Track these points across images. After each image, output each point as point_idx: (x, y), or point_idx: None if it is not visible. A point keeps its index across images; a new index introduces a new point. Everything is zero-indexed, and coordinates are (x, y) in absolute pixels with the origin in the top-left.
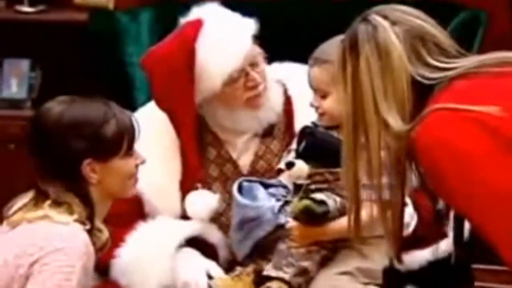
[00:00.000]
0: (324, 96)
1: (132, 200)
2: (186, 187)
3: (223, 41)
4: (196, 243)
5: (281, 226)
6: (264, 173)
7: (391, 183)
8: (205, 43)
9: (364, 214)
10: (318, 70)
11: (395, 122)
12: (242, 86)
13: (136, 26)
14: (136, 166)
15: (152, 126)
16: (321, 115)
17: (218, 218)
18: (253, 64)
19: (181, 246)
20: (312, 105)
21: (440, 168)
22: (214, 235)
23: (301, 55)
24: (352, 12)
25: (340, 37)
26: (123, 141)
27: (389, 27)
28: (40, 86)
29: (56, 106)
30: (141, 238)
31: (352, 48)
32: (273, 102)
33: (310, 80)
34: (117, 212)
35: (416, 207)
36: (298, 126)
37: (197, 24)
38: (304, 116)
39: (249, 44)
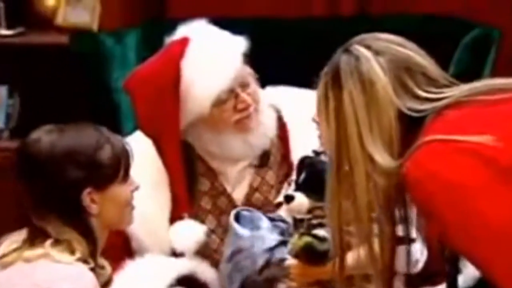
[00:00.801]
0: None
1: (118, 234)
2: (175, 220)
3: (211, 60)
4: (187, 282)
5: (278, 264)
6: (260, 207)
7: (381, 228)
8: (191, 62)
9: (351, 258)
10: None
11: (382, 158)
12: (231, 108)
13: (122, 49)
14: (132, 192)
15: (139, 155)
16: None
17: (211, 255)
18: (244, 85)
19: (172, 285)
20: (313, 120)
21: (433, 203)
22: (206, 273)
23: (297, 78)
24: (354, 30)
25: None
26: (120, 166)
27: (372, 58)
28: (19, 115)
29: (45, 136)
30: (129, 279)
31: (334, 81)
32: (266, 127)
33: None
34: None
35: (426, 242)
36: (295, 155)
37: (183, 42)
38: (301, 144)
39: (238, 62)
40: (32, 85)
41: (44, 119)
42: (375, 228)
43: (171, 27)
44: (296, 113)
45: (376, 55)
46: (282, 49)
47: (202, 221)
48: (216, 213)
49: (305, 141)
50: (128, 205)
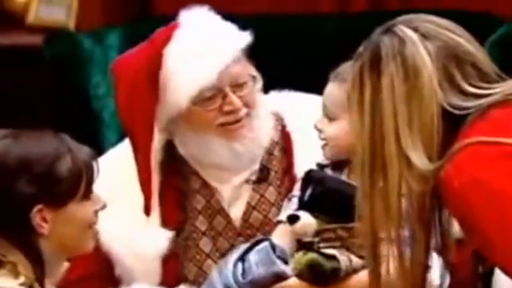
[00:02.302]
0: (330, 118)
1: (99, 260)
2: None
3: (197, 50)
4: None
5: (276, 280)
6: (259, 227)
7: (413, 236)
8: (175, 50)
9: (383, 271)
10: (332, 85)
11: (420, 160)
12: (216, 108)
13: (102, 51)
14: (95, 212)
15: (126, 169)
16: (325, 144)
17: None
18: (236, 85)
19: None
20: (315, 127)
21: (475, 214)
22: None
23: (303, 82)
24: (366, 28)
25: None
26: (81, 180)
27: (420, 42)
28: None
29: None
30: None
31: (373, 65)
32: (259, 136)
33: (324, 97)
34: (80, 276)
35: (449, 265)
36: (298, 168)
37: (171, 28)
38: (306, 157)
39: (229, 58)
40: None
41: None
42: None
43: (158, 25)
44: (301, 121)
45: (424, 39)
46: (286, 49)
47: (196, 244)
48: (212, 235)
49: (311, 153)
50: (88, 227)
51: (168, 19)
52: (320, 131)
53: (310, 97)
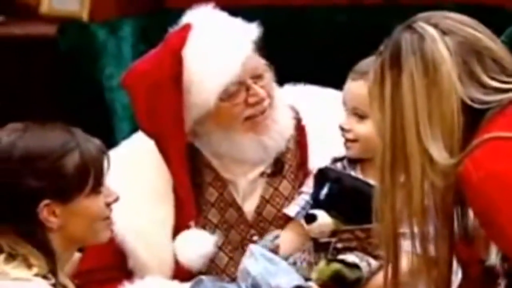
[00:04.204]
0: (361, 117)
1: (112, 251)
2: (181, 231)
3: (217, 47)
4: None
5: None
6: (272, 221)
7: (437, 232)
8: (194, 50)
9: (404, 267)
10: (361, 84)
11: (440, 154)
12: (242, 102)
13: (116, 42)
14: (108, 205)
15: (139, 160)
16: (352, 141)
17: (217, 275)
18: (256, 77)
19: None
20: (342, 128)
21: (494, 209)
22: None
23: (319, 76)
24: (380, 20)
25: None
26: (88, 176)
27: (439, 37)
28: None
29: (6, 136)
30: None
31: (393, 61)
32: (282, 128)
33: (346, 96)
34: (93, 266)
35: (460, 262)
36: (312, 162)
37: (185, 30)
38: (320, 151)
39: (249, 50)
40: (11, 81)
41: (27, 119)
42: (431, 232)
43: (172, 17)
44: (316, 115)
45: (443, 35)
46: (299, 41)
47: None
48: (224, 228)
49: (325, 147)
50: (100, 220)
51: (181, 11)
52: (347, 131)
53: (324, 91)
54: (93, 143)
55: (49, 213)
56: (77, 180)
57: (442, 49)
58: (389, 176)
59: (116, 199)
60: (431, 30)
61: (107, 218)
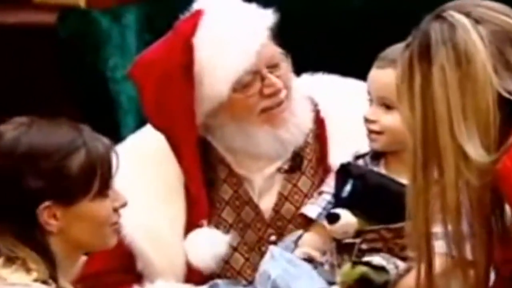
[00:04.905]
0: (389, 108)
1: (120, 253)
2: (192, 229)
3: (229, 34)
4: None
5: None
6: (290, 219)
7: (473, 233)
8: (205, 38)
9: (437, 269)
10: (391, 72)
11: (476, 151)
12: (257, 93)
13: (120, 30)
14: (115, 210)
15: (148, 156)
16: (377, 133)
17: (233, 277)
18: (272, 66)
19: None
20: (367, 120)
21: None
22: None
23: (338, 64)
24: (400, 5)
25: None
26: (94, 178)
27: (471, 27)
28: None
29: (11, 131)
30: None
31: (423, 53)
32: (300, 121)
33: (372, 85)
34: (99, 269)
35: (494, 261)
36: (332, 157)
37: (196, 16)
38: (341, 145)
39: (264, 38)
40: (7, 72)
41: (19, 113)
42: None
43: (179, 4)
44: (335, 106)
45: (476, 23)
46: (316, 29)
47: None
48: (240, 227)
49: (346, 141)
50: (106, 225)
51: None
52: (372, 122)
53: (344, 81)
54: (102, 142)
55: (49, 216)
56: (81, 181)
57: (475, 38)
58: (422, 174)
59: (125, 204)
60: (462, 19)
61: (115, 223)
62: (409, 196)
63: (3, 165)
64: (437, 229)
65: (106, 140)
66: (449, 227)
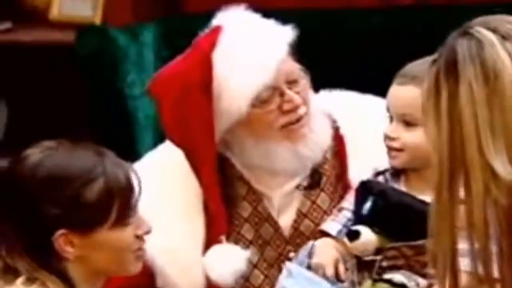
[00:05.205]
0: (410, 125)
1: (140, 271)
2: (211, 245)
3: (249, 50)
4: None
5: None
6: (310, 236)
7: (501, 253)
8: (224, 54)
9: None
10: (412, 89)
11: (504, 168)
12: (276, 109)
13: (138, 48)
14: (138, 237)
15: (166, 173)
16: (398, 150)
17: None
18: (291, 82)
19: None
20: (387, 137)
21: None
22: None
23: (358, 81)
24: (415, 23)
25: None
26: (112, 207)
27: (499, 43)
28: (7, 128)
29: (35, 154)
30: None
31: (449, 70)
32: (319, 137)
33: (393, 102)
34: (118, 286)
35: None
36: (351, 174)
37: (215, 32)
38: (359, 162)
39: (283, 53)
40: (22, 91)
41: (37, 133)
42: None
43: (196, 22)
44: (354, 123)
45: (503, 39)
46: (334, 45)
47: None
48: (259, 244)
49: (365, 158)
50: (127, 252)
51: (204, 15)
52: (393, 139)
53: (363, 97)
54: (123, 170)
55: (65, 243)
56: (98, 210)
57: (503, 55)
58: (447, 192)
59: (149, 231)
60: (490, 35)
61: (138, 250)
62: (433, 213)
63: (24, 190)
64: (462, 245)
65: (129, 167)
66: (475, 245)
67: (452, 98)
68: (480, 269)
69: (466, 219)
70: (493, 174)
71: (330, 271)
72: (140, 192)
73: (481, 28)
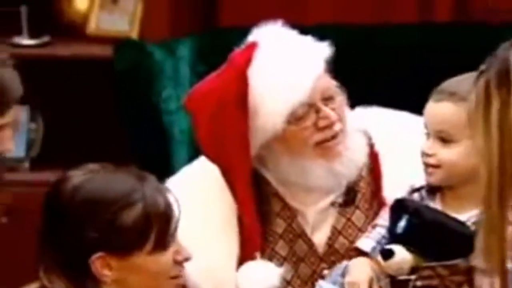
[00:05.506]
0: (446, 141)
1: None
2: (245, 262)
3: (285, 66)
4: None
5: None
6: (344, 254)
7: None
8: (260, 70)
9: None
10: (448, 105)
11: None
12: (311, 125)
13: (174, 62)
14: (177, 263)
15: (201, 188)
16: (434, 167)
17: None
18: (327, 98)
19: None
20: (424, 154)
21: None
22: None
23: (394, 98)
24: (452, 39)
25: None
26: (149, 232)
27: None
28: (43, 142)
29: (77, 176)
30: None
31: (502, 80)
32: (355, 154)
33: (430, 118)
34: None
35: None
36: (386, 191)
37: (251, 48)
38: (395, 179)
39: (319, 70)
40: (58, 105)
41: (73, 148)
42: None
43: (231, 37)
44: (390, 140)
45: None
46: (372, 61)
47: None
48: (293, 260)
49: (400, 175)
50: (164, 278)
51: (240, 30)
52: (430, 155)
53: (398, 114)
54: (163, 196)
55: (103, 266)
56: (136, 235)
57: None
58: (497, 206)
59: (188, 258)
60: None
61: (176, 277)
62: (482, 229)
63: (63, 212)
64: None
65: (170, 193)
66: None
67: (504, 108)
68: None
69: None
70: None
71: None
72: (179, 218)
73: None
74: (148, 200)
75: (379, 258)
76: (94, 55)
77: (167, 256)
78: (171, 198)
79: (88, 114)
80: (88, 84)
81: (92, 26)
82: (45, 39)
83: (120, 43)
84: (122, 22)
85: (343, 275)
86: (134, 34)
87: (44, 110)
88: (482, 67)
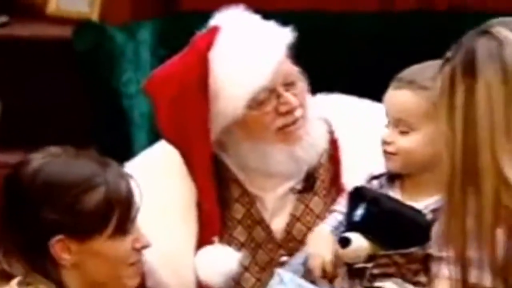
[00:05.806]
0: (404, 131)
1: None
2: (203, 246)
3: (246, 51)
4: None
5: None
6: (302, 240)
7: (508, 259)
8: (222, 54)
9: None
10: (408, 94)
11: None
12: (272, 110)
13: (135, 46)
14: (136, 250)
15: (161, 172)
16: (392, 154)
17: None
18: (288, 84)
19: None
20: (383, 141)
21: None
22: None
23: (355, 85)
24: (412, 28)
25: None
26: (110, 217)
27: None
28: (2, 124)
29: (37, 160)
30: None
31: (467, 69)
32: (315, 140)
33: (389, 106)
34: None
35: None
36: (345, 178)
37: (213, 32)
38: (354, 167)
39: (281, 55)
40: (17, 86)
41: (32, 129)
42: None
43: (193, 21)
44: (350, 127)
45: None
46: (334, 48)
47: None
48: (251, 246)
49: (359, 163)
50: (123, 264)
51: (202, 14)
52: (388, 143)
53: (358, 101)
54: (126, 182)
55: (62, 249)
56: (97, 219)
57: None
58: (459, 195)
59: (146, 246)
60: (510, 35)
61: (135, 263)
62: (443, 217)
63: (23, 195)
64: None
65: (130, 178)
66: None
67: (469, 97)
68: (487, 280)
69: (475, 223)
70: (505, 181)
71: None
72: (138, 206)
73: (501, 29)
74: (111, 185)
75: (337, 246)
76: (53, 36)
77: (126, 243)
78: (133, 185)
79: (47, 96)
80: (47, 65)
81: (52, 7)
82: (3, 19)
83: (80, 25)
84: (82, 3)
85: (304, 264)
86: (95, 16)
87: (3, 91)
88: (448, 54)
